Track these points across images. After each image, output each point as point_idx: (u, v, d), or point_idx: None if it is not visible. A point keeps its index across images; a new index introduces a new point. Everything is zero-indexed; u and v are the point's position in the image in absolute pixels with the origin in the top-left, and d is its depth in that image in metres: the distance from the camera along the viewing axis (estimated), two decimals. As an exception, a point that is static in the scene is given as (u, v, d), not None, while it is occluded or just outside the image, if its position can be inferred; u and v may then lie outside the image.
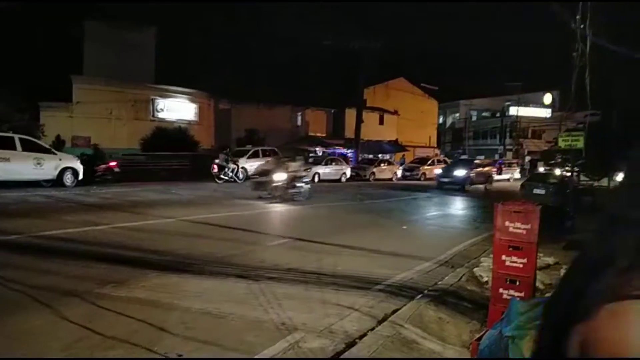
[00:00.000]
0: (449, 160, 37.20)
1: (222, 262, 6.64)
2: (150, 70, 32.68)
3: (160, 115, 32.42)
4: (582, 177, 17.37)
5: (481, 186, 26.30)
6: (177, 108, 33.44)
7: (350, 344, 4.04)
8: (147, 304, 4.80)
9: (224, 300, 5.00)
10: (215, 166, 22.21)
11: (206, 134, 33.43)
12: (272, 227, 10.56)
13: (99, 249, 7.05)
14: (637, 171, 0.83)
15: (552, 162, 33.45)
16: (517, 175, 37.67)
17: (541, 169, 32.43)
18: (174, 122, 31.28)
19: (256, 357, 3.71)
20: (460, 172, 25.50)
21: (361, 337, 4.20)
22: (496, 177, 31.62)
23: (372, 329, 4.41)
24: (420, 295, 5.52)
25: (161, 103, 32.84)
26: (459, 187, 24.58)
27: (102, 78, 29.34)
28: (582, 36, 12.84)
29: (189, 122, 32.67)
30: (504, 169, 36.30)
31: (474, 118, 59.17)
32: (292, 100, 36.77)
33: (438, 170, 28.11)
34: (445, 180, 25.48)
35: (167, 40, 32.96)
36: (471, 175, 25.64)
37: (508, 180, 35.12)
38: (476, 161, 31.05)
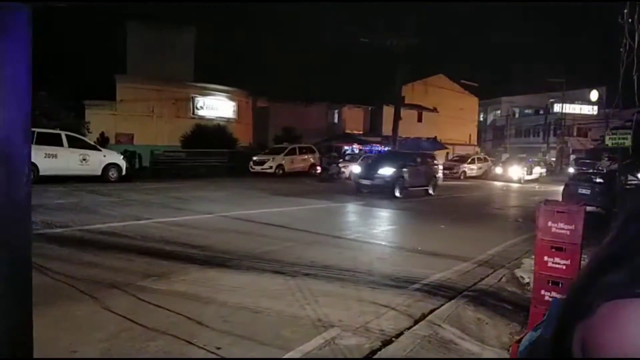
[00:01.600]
0: (489, 158, 36.20)
1: (260, 258, 6.71)
2: (189, 68, 33.35)
3: (200, 113, 33.06)
4: (630, 177, 16.65)
5: (429, 189, 18.70)
6: (216, 106, 34.03)
7: (387, 343, 4.01)
8: (186, 297, 4.90)
9: (261, 296, 5.05)
10: (319, 167, 23.96)
11: (244, 132, 33.85)
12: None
13: (141, 243, 7.25)
14: None
15: (583, 160, 32.85)
16: (543, 172, 34.86)
17: (570, 169, 31.60)
18: (213, 119, 31.83)
19: (287, 356, 3.73)
20: (386, 171, 17.13)
21: (397, 335, 4.16)
22: (527, 177, 30.52)
23: (409, 328, 4.36)
24: (458, 296, 5.43)
25: (201, 101, 33.49)
26: (388, 190, 16.62)
27: (144, 77, 30.13)
28: (630, 31, 12.31)
29: (228, 120, 33.18)
30: (533, 167, 32.98)
31: (517, 115, 57.66)
32: (329, 97, 36.76)
33: (357, 168, 19.82)
34: (366, 182, 17.41)
35: (206, 39, 33.53)
36: (404, 175, 17.24)
37: (536, 180, 31.94)
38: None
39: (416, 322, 4.52)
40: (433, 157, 21.19)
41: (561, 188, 16.95)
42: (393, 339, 4.09)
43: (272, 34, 38.53)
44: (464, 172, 31.97)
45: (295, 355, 3.70)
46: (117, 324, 4.10)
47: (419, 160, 19.10)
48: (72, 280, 5.19)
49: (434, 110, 43.03)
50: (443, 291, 5.62)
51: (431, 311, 4.84)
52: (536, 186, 27.61)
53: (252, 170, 24.08)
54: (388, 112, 36.68)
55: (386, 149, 33.31)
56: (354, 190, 17.85)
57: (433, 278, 6.19)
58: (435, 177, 19.46)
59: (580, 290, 0.81)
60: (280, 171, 24.45)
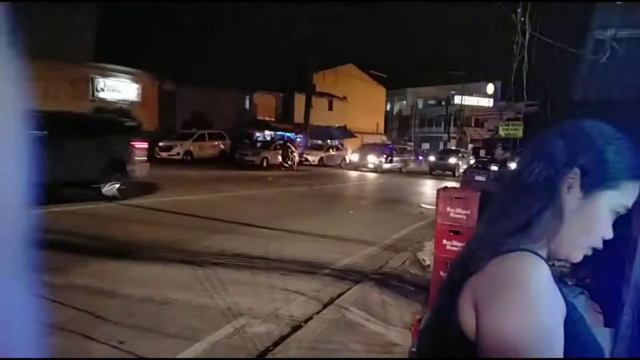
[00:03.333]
0: (343, 147, 33.97)
1: (167, 248, 6.50)
2: (89, 47, 31.12)
3: (101, 95, 31.02)
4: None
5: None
6: (119, 88, 32.11)
7: (296, 328, 4.08)
8: (87, 291, 4.63)
9: (168, 287, 4.90)
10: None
11: (150, 116, 32.29)
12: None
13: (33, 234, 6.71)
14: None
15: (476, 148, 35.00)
16: (412, 165, 32.40)
17: (432, 158, 31.32)
18: (115, 102, 30.08)
19: (195, 346, 3.68)
20: None
21: (307, 320, 4.24)
22: (385, 165, 27.93)
23: (318, 312, 4.46)
24: (365, 279, 5.64)
25: (101, 82, 31.42)
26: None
27: (34, 55, 27.63)
28: (523, 30, 13.33)
29: (132, 103, 31.50)
30: (394, 155, 29.89)
31: (420, 106, 60.46)
32: (241, 83, 36.16)
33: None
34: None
35: (110, 17, 31.48)
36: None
37: (400, 170, 29.58)
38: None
39: (325, 306, 4.65)
40: (293, 144, 27.15)
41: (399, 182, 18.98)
42: (302, 324, 4.17)
43: (184, 17, 36.98)
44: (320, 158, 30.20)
45: (203, 345, 3.65)
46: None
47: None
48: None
49: (344, 98, 43.90)
50: (351, 275, 5.81)
51: (339, 295, 4.99)
52: (379, 179, 23.86)
53: (157, 156, 23.15)
54: (300, 99, 36.89)
55: (300, 136, 33.56)
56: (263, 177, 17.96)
57: (342, 263, 6.38)
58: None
59: (468, 253, 0.93)
60: (189, 157, 23.74)
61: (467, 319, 0.83)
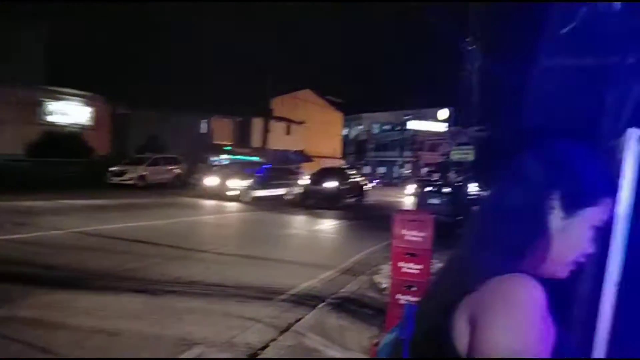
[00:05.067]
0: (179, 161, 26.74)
1: (120, 277, 6.27)
2: (39, 70, 30.16)
3: (50, 118, 30.00)
4: (474, 187, 18.65)
5: None
6: (70, 111, 31.16)
7: (252, 356, 4.01)
8: (33, 323, 4.40)
9: (119, 317, 4.73)
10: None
11: (102, 140, 31.48)
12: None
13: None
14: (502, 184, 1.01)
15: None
16: (297, 190, 21.40)
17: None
18: (65, 126, 29.15)
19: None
20: None
21: (263, 348, 4.18)
22: (257, 192, 19.80)
23: (274, 339, 4.41)
24: (322, 304, 5.62)
25: (51, 106, 30.43)
26: None
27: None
28: (471, 57, 13.90)
29: (83, 127, 30.61)
30: (273, 179, 21.16)
31: (376, 130, 61.59)
32: (198, 107, 35.86)
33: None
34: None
35: (62, 39, 30.68)
36: None
37: (282, 196, 21.19)
38: None
39: (282, 332, 4.59)
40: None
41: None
42: (259, 351, 4.11)
43: (139, 40, 36.53)
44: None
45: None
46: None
47: None
48: None
49: (302, 123, 44.20)
50: (308, 300, 5.78)
51: (296, 321, 4.94)
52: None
53: (110, 181, 22.49)
54: (257, 123, 36.87)
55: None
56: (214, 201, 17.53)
57: (299, 288, 6.34)
58: None
59: (457, 273, 0.96)
60: (142, 183, 23.17)
61: (462, 337, 0.86)
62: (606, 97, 2.72)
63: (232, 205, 17.96)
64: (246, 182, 19.93)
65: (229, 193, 19.70)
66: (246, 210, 16.66)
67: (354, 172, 24.32)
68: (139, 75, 33.80)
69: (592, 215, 0.94)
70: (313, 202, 19.20)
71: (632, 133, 1.89)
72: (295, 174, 23.87)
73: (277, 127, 39.12)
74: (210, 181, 20.95)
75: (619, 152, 1.88)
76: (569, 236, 0.93)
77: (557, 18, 3.08)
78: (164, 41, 38.21)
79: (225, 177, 20.53)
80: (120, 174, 22.85)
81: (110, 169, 23.07)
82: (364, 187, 23.91)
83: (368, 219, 16.12)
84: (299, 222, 14.58)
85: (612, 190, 0.97)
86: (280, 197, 21.11)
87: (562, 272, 0.96)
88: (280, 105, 40.87)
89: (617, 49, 2.73)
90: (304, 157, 42.46)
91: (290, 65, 34.10)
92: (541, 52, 3.30)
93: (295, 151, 41.79)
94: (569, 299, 2.49)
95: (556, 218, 0.93)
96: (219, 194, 19.74)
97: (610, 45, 2.74)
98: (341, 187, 20.06)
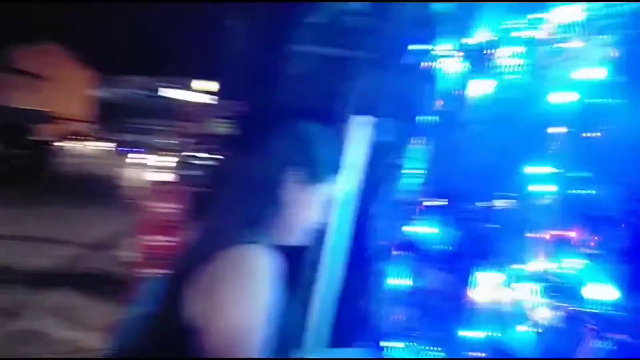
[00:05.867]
0: None
1: None
2: None
3: None
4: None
5: None
6: None
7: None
8: None
9: None
10: None
11: None
12: None
13: None
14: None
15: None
16: None
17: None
18: None
19: None
20: None
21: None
22: None
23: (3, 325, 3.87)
24: (62, 283, 5.11)
25: None
26: None
27: None
28: (238, 32, 14.09)
29: None
30: None
31: (135, 96, 57.81)
32: None
33: None
34: None
35: None
36: None
37: None
38: None
39: (11, 317, 4.08)
40: None
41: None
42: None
43: None
44: None
45: None
46: None
47: None
48: None
49: (46, 80, 38.46)
50: (48, 279, 5.17)
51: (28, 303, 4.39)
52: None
53: None
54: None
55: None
56: None
57: (40, 265, 5.64)
58: None
59: (196, 246, 0.98)
60: None
61: (195, 309, 0.86)
62: (341, 85, 3.08)
63: None
64: None
65: None
66: None
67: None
68: None
69: (322, 190, 1.05)
70: None
71: (357, 119, 2.15)
72: None
73: (17, 83, 33.32)
74: None
75: (346, 135, 2.15)
76: (303, 208, 1.02)
77: (307, 7, 3.33)
78: None
79: None
80: None
81: None
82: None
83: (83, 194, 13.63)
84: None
85: (340, 168, 1.10)
86: None
87: (295, 240, 1.06)
88: (22, 58, 34.84)
89: (352, 44, 3.10)
90: (45, 117, 37.14)
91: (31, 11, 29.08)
92: (293, 37, 3.54)
93: (34, 110, 36.24)
94: (301, 264, 2.77)
95: (291, 191, 1.00)
96: None
97: (349, 40, 3.10)
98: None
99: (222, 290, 0.85)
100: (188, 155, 21.57)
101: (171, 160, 24.67)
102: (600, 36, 1.26)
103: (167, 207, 4.46)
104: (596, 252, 1.13)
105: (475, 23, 1.93)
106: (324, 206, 1.08)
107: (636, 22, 1.14)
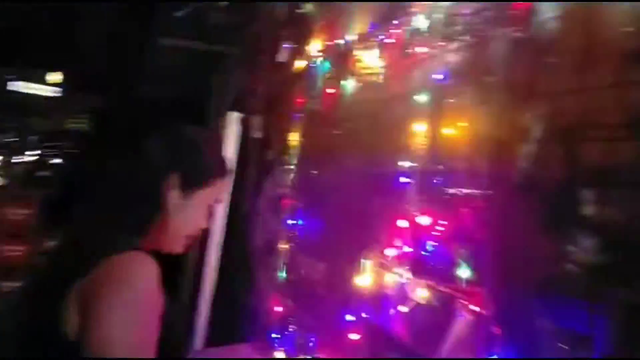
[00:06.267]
0: None
1: None
2: None
3: None
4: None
5: None
6: None
7: None
8: None
9: None
10: None
11: None
12: None
13: None
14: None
15: None
16: None
17: None
18: None
19: None
20: None
21: None
22: None
23: None
24: None
25: None
26: None
27: None
28: (95, 19, 12.98)
29: None
30: None
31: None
32: None
33: None
34: None
35: None
36: None
37: None
38: None
39: None
40: None
41: None
42: None
43: None
44: None
45: None
46: None
47: None
48: None
49: None
50: None
51: None
52: None
53: None
54: None
55: None
56: None
57: None
58: None
59: (72, 255, 0.90)
60: None
61: (73, 321, 0.80)
62: (213, 81, 3.04)
63: None
64: None
65: None
66: None
67: None
68: None
69: (208, 195, 1.01)
70: None
71: (233, 115, 2.15)
72: None
73: None
74: None
75: (223, 132, 2.13)
76: (185, 214, 0.98)
77: (172, 2, 3.21)
78: None
79: None
80: None
81: None
82: None
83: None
84: None
85: (224, 171, 1.06)
86: None
87: (178, 248, 1.01)
88: None
89: (224, 39, 3.06)
90: None
91: None
92: (158, 30, 3.38)
93: None
94: (183, 267, 2.71)
95: (174, 198, 0.95)
96: None
97: (219, 35, 3.06)
98: None
99: (104, 300, 0.79)
100: (38, 155, 19.55)
101: (19, 160, 22.18)
102: (449, 41, 1.38)
103: (17, 213, 4.04)
104: (447, 234, 1.26)
105: (339, 25, 2.00)
106: (206, 211, 1.03)
107: (482, 28, 1.24)
